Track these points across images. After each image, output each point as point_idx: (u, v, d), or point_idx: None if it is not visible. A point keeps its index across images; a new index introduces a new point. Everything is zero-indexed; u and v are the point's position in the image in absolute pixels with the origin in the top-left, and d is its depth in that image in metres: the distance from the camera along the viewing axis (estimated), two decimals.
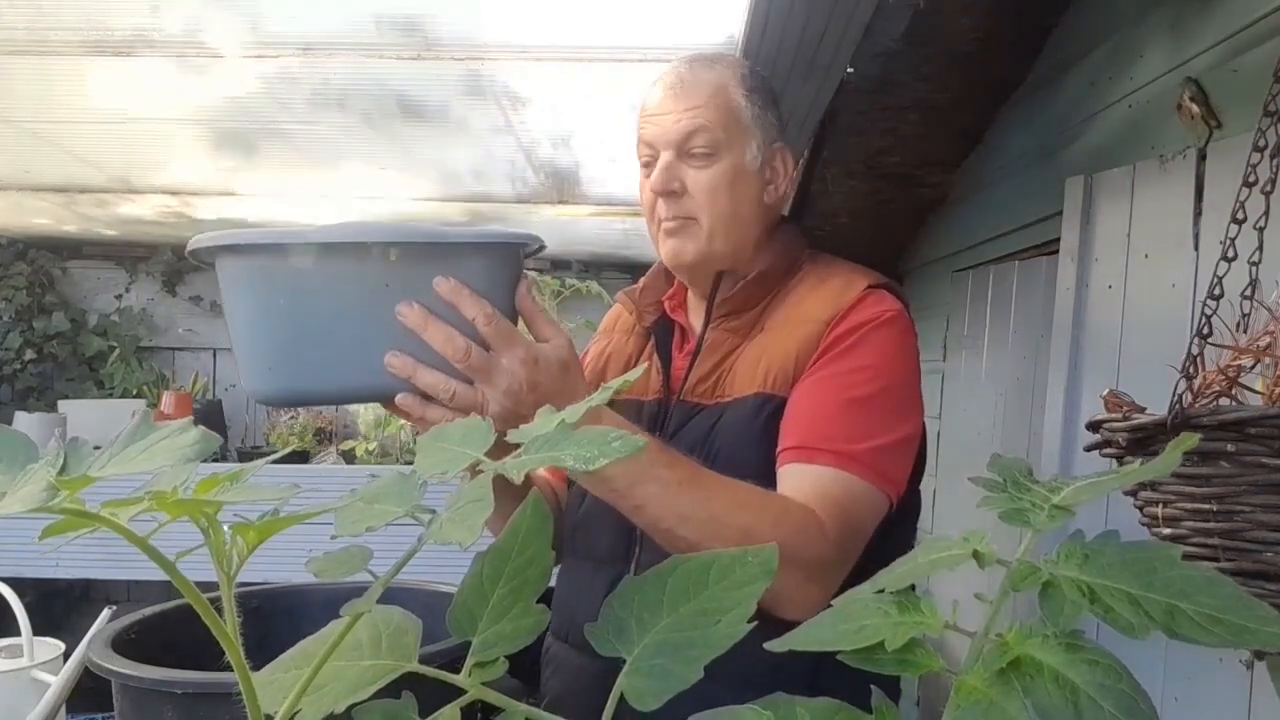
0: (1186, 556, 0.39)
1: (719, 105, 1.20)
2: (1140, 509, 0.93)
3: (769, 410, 1.15)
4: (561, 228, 3.79)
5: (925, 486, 1.27)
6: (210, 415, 4.18)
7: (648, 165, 1.23)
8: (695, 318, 1.30)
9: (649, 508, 0.98)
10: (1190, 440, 0.41)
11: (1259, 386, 0.91)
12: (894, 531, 1.15)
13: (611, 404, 1.26)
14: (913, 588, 0.45)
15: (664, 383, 1.27)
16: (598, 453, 0.46)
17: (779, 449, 1.14)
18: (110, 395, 4.41)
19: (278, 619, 1.33)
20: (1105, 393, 0.99)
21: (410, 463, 0.57)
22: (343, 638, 0.50)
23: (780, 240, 1.27)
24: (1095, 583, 0.38)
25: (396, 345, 0.91)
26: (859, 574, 0.76)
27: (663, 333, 1.32)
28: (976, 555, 0.41)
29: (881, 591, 0.43)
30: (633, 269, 4.51)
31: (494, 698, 0.50)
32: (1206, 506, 0.85)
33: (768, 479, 1.13)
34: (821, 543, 1.03)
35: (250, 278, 0.93)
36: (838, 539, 1.05)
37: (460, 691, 0.51)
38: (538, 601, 0.54)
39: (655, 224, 1.24)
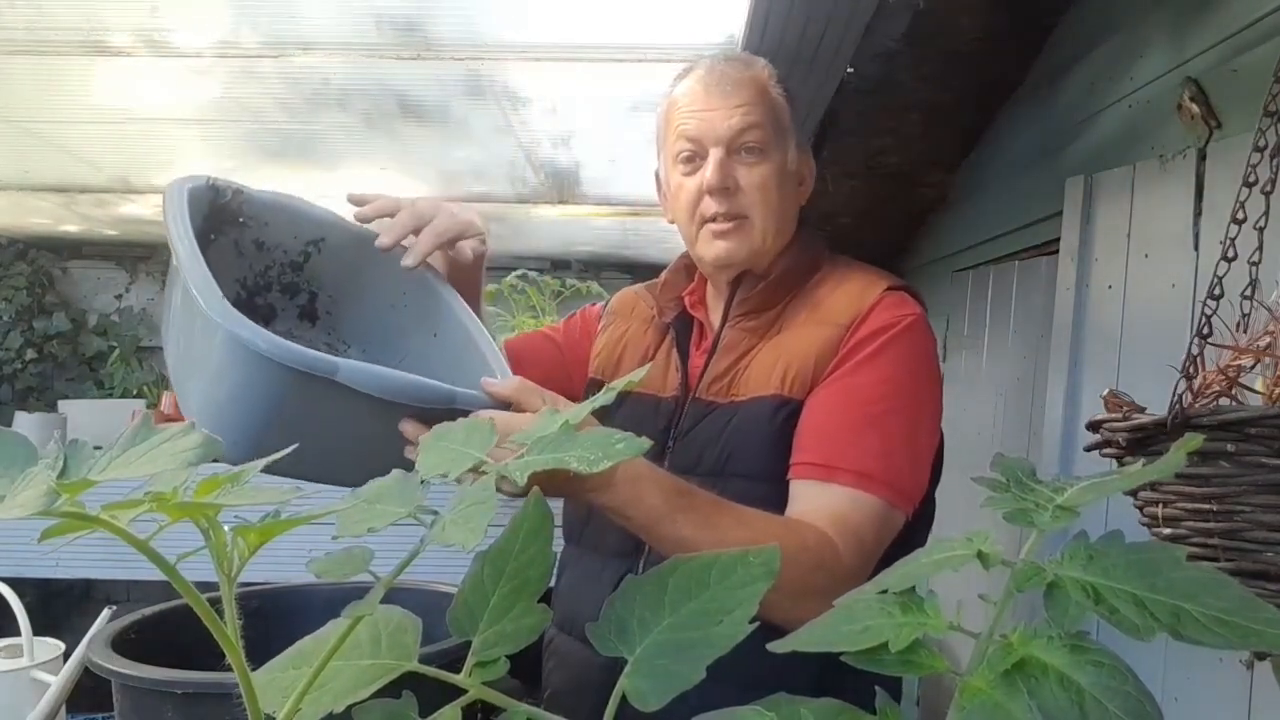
0: (1187, 557, 0.39)
1: (766, 104, 1.20)
2: (1140, 509, 0.93)
3: (786, 413, 1.15)
4: (561, 228, 3.78)
5: None
6: None
7: (689, 160, 1.21)
8: (714, 314, 1.30)
9: (667, 545, 0.98)
10: (1195, 441, 0.41)
11: (1259, 386, 0.91)
12: (907, 537, 1.15)
13: (628, 398, 1.26)
14: (913, 589, 0.45)
15: (681, 380, 1.27)
16: (601, 454, 0.46)
17: (794, 460, 1.13)
18: (110, 395, 4.40)
19: (278, 619, 1.33)
20: (1105, 393, 0.99)
21: None
22: (344, 639, 0.49)
23: (801, 241, 1.27)
24: (1100, 584, 0.38)
25: (387, 453, 0.94)
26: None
27: (682, 329, 1.31)
28: (981, 556, 0.40)
29: (885, 592, 0.43)
30: (633, 269, 4.51)
31: (495, 698, 0.50)
32: (1206, 506, 0.85)
33: (780, 481, 1.13)
34: (836, 569, 1.02)
35: (256, 368, 0.93)
36: (851, 564, 1.04)
37: (461, 691, 0.51)
38: (539, 599, 0.54)
39: (696, 222, 1.23)
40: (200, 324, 0.96)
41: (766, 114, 1.20)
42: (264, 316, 1.22)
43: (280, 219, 1.18)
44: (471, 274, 1.24)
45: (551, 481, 0.90)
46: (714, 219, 1.21)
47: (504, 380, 1.02)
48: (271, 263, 1.20)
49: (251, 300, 1.20)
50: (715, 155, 1.18)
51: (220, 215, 1.14)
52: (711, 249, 1.22)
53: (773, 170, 1.20)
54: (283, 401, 0.93)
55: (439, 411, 0.94)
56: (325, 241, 1.21)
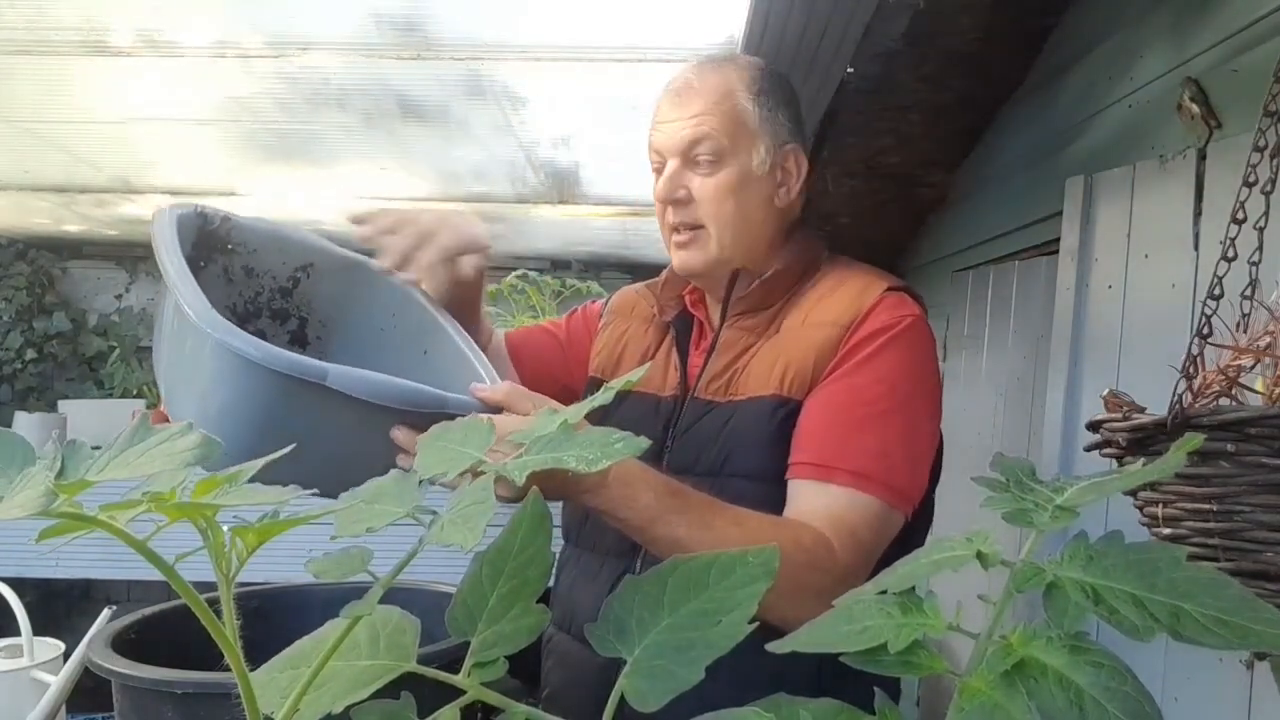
0: (1187, 557, 0.39)
1: (724, 111, 1.20)
2: (1140, 509, 0.93)
3: (784, 413, 1.15)
4: (561, 228, 3.79)
5: None
6: None
7: (657, 172, 1.23)
8: (714, 314, 1.30)
9: (662, 547, 0.99)
10: (1194, 441, 0.41)
11: (1259, 386, 0.91)
12: (906, 538, 1.14)
13: (627, 397, 1.26)
14: (913, 589, 0.45)
15: (680, 379, 1.27)
16: (600, 454, 0.46)
17: (793, 459, 1.13)
18: (110, 395, 4.41)
19: (278, 619, 1.33)
20: (1105, 393, 0.98)
21: None
22: (342, 640, 0.49)
23: (797, 242, 1.27)
24: (1099, 584, 0.37)
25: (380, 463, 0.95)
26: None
27: (682, 328, 1.32)
28: (981, 556, 0.40)
29: (884, 592, 0.43)
30: (633, 269, 4.51)
31: (493, 698, 0.50)
32: (1206, 506, 0.84)
33: (778, 481, 1.13)
34: (832, 569, 1.03)
35: (247, 377, 0.93)
36: (849, 564, 1.04)
37: (460, 692, 0.51)
38: (538, 599, 0.54)
39: (666, 230, 1.25)
40: (191, 338, 0.97)
41: (723, 122, 1.19)
42: None
43: (268, 245, 1.20)
44: (472, 289, 1.25)
45: (546, 484, 0.90)
46: (676, 229, 1.23)
47: (494, 385, 1.03)
48: (261, 289, 1.21)
49: (242, 326, 1.22)
50: (670, 167, 1.21)
51: (208, 242, 1.15)
52: (675, 259, 1.25)
53: (729, 178, 1.20)
54: (274, 410, 0.93)
55: (431, 418, 0.95)
56: (314, 267, 1.23)
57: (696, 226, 1.21)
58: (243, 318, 1.21)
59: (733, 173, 1.20)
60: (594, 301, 1.52)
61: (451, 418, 0.94)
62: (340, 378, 0.92)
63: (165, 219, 1.06)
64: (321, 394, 0.92)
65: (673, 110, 1.21)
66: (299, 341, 1.26)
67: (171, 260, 1.00)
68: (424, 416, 0.95)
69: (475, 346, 1.17)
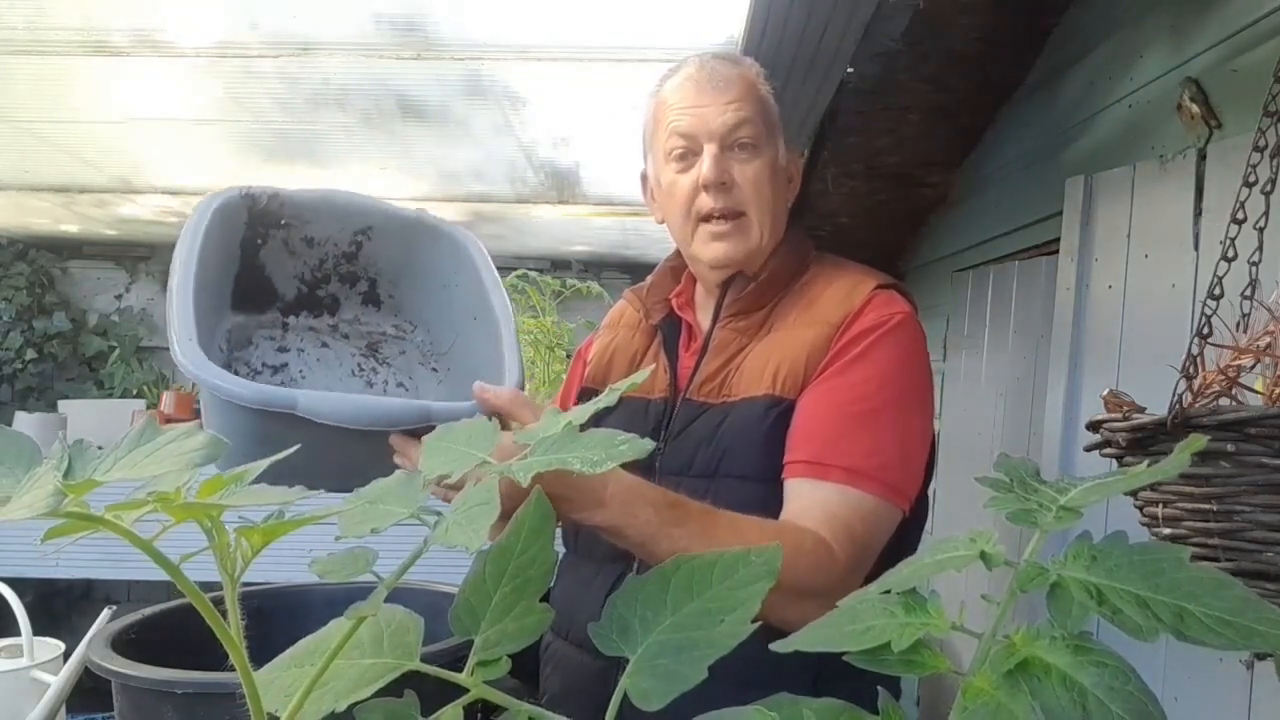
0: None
1: (756, 100, 1.20)
2: (1140, 509, 0.93)
3: (778, 412, 1.15)
4: (561, 228, 3.79)
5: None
6: None
7: (682, 158, 1.21)
8: (703, 315, 1.30)
9: (663, 560, 0.98)
10: (1198, 442, 0.41)
11: (1259, 386, 0.91)
12: (903, 537, 1.15)
13: (618, 400, 1.25)
14: (915, 589, 0.45)
15: (670, 381, 1.26)
16: (604, 455, 0.46)
17: (787, 459, 1.13)
18: (110, 395, 4.41)
19: (280, 619, 1.33)
20: (1105, 393, 0.98)
21: None
22: (346, 640, 0.49)
23: (789, 241, 1.27)
24: (1103, 584, 0.38)
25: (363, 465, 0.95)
26: (866, 579, 0.76)
27: (670, 331, 1.31)
28: (985, 556, 0.40)
29: (887, 592, 0.43)
30: (633, 269, 4.51)
31: (496, 697, 0.50)
32: (1206, 506, 0.84)
33: (773, 481, 1.13)
34: (832, 570, 1.03)
35: (227, 404, 0.95)
36: (848, 563, 1.04)
37: (463, 690, 0.51)
38: (540, 599, 0.54)
39: (692, 220, 1.22)
40: None
41: (757, 110, 1.20)
42: (328, 308, 1.27)
43: (323, 214, 1.21)
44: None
45: None
46: (708, 218, 1.21)
47: (498, 389, 1.02)
48: (325, 256, 1.24)
49: (313, 294, 1.25)
50: (710, 150, 1.18)
51: (262, 220, 1.17)
52: (709, 250, 1.22)
53: (766, 166, 1.20)
54: (260, 433, 0.94)
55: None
56: (373, 229, 1.24)
57: (737, 214, 1.20)
58: (312, 285, 1.24)
59: (767, 162, 1.20)
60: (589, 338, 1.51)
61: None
62: (310, 405, 0.93)
63: (190, 234, 1.07)
64: (300, 418, 0.93)
65: (703, 96, 1.19)
66: (372, 301, 1.28)
67: (178, 282, 1.02)
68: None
69: (512, 326, 1.17)
